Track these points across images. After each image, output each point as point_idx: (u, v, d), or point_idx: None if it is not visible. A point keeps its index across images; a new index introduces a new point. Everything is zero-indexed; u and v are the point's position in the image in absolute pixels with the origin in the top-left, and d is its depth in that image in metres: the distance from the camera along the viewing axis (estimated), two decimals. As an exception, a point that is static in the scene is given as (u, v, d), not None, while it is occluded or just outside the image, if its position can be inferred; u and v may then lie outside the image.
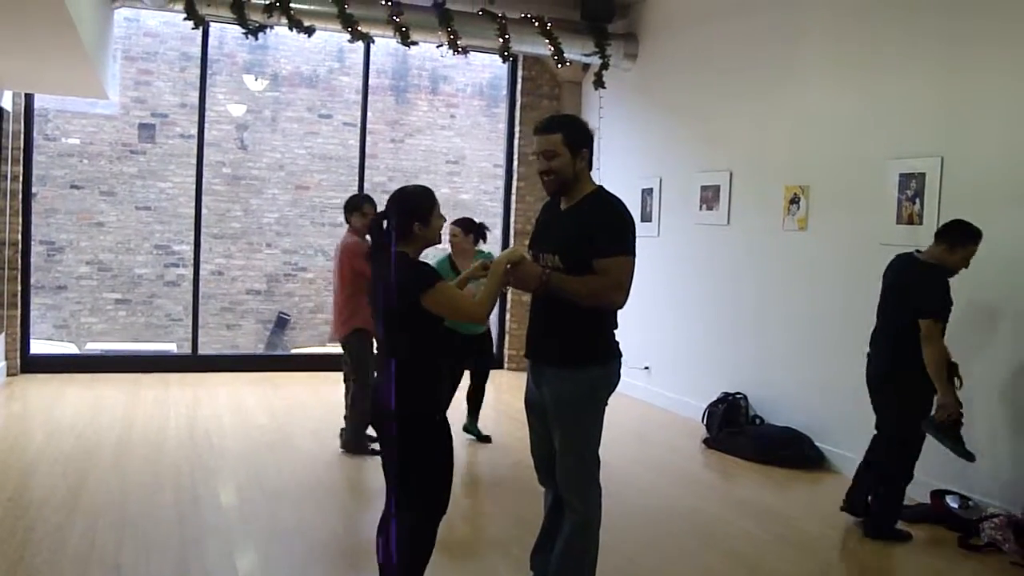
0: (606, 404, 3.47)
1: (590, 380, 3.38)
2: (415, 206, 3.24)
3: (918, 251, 4.74)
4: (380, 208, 3.42)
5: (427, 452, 3.18)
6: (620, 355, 3.51)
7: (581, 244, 3.33)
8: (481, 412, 6.58)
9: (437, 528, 3.26)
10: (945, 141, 5.37)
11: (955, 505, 4.96)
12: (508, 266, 3.25)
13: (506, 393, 8.40)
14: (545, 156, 3.40)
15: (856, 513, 4.93)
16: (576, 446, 3.40)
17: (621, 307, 3.37)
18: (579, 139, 3.40)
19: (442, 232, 3.37)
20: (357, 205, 6.12)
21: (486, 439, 6.47)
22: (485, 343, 6.50)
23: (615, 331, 3.50)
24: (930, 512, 5.02)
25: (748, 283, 7.06)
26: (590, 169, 3.49)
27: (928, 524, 4.95)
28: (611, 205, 3.45)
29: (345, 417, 6.13)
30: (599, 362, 3.41)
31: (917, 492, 5.26)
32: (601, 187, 3.50)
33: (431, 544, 3.25)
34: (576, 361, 3.35)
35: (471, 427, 6.52)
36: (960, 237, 4.56)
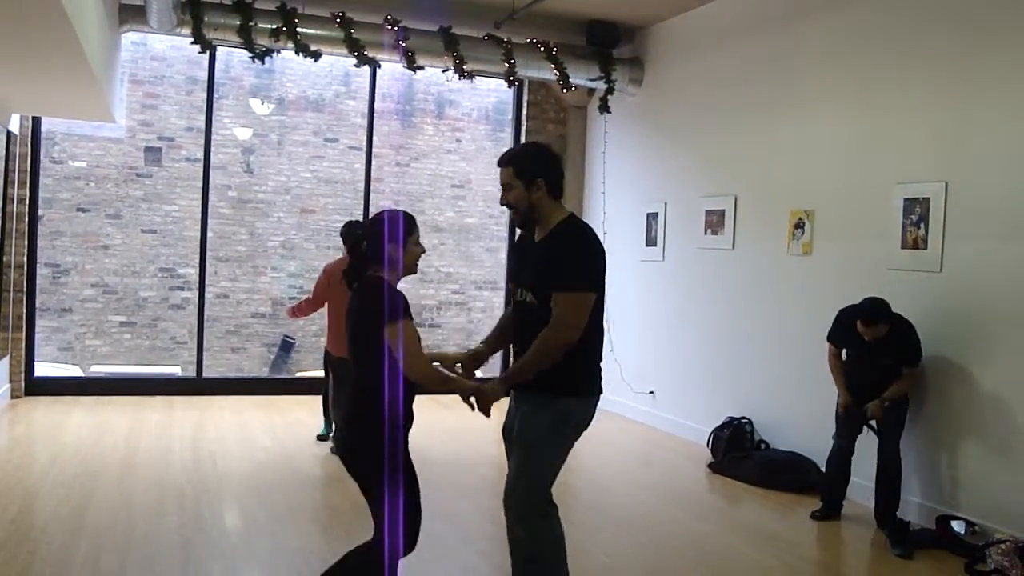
0: (573, 441, 3.41)
1: (563, 410, 3.33)
2: (390, 227, 3.22)
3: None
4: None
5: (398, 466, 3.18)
6: (600, 391, 3.46)
7: (548, 278, 3.28)
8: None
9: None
10: (949, 166, 5.38)
11: (961, 530, 4.94)
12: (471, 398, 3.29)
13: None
14: (504, 189, 3.40)
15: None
16: (529, 471, 3.34)
17: (572, 343, 3.24)
18: (531, 169, 3.36)
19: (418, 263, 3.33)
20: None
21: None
22: None
23: (599, 364, 3.45)
24: (936, 537, 5.00)
25: (753, 308, 7.06)
26: (556, 196, 3.42)
27: (934, 549, 4.93)
28: (574, 236, 3.38)
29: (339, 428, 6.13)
30: (576, 394, 3.37)
31: (923, 518, 5.24)
32: (571, 216, 3.45)
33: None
34: (553, 389, 3.30)
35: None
36: None
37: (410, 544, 3.24)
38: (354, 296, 3.28)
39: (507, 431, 3.54)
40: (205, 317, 9.26)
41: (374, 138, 9.63)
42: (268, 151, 13.42)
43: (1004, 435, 4.99)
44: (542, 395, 3.33)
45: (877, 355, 5.25)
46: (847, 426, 5.44)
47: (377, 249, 3.20)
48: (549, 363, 3.24)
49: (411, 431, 3.23)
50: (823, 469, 6.04)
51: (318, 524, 4.99)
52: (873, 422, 5.31)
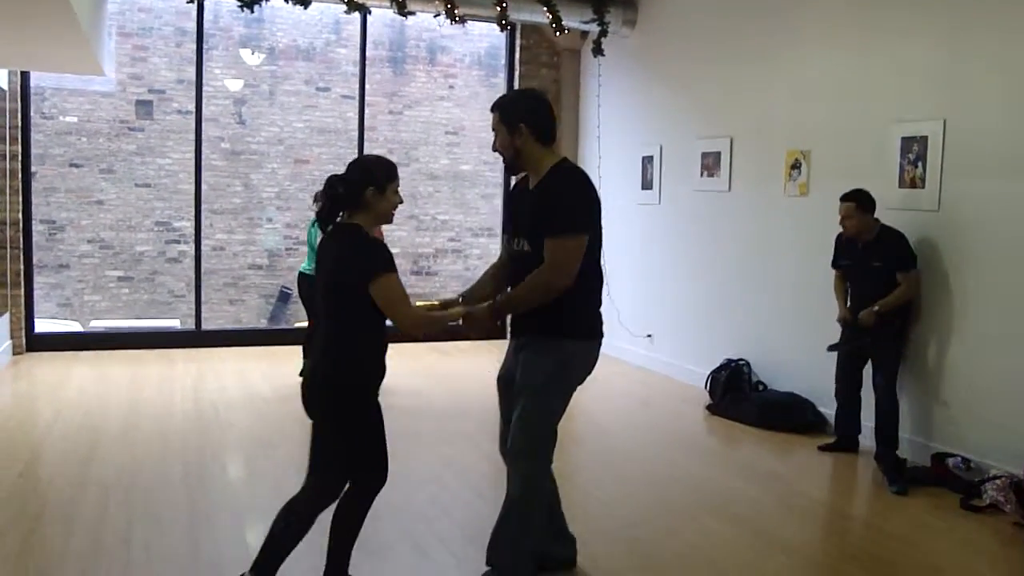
0: (576, 386, 3.43)
1: (565, 354, 3.35)
2: (372, 171, 3.18)
3: None
4: None
5: (370, 422, 3.22)
6: (600, 335, 3.46)
7: (540, 225, 3.28)
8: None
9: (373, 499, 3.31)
10: (947, 104, 5.35)
11: (957, 467, 5.00)
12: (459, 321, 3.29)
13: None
14: (494, 135, 3.42)
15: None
16: (533, 416, 3.35)
17: (568, 285, 3.24)
18: (514, 116, 3.35)
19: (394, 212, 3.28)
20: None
21: None
22: None
23: (598, 309, 3.46)
24: (932, 475, 5.06)
25: (750, 249, 7.07)
26: (546, 142, 3.39)
27: (930, 486, 4.99)
28: (565, 181, 3.37)
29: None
30: (577, 337, 3.38)
31: (919, 455, 5.30)
32: (563, 161, 3.43)
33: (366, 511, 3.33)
34: (554, 332, 3.32)
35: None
36: None
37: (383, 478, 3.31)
38: (330, 242, 3.22)
39: (503, 379, 3.56)
40: (202, 270, 9.26)
41: (366, 86, 9.54)
42: (260, 102, 13.30)
43: (999, 372, 5.02)
44: (544, 340, 3.34)
45: (868, 260, 5.39)
46: (846, 355, 5.59)
47: (357, 194, 3.15)
48: (538, 301, 3.27)
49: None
50: (820, 410, 6.12)
51: (321, 472, 5.04)
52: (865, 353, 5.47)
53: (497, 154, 3.46)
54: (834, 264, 5.72)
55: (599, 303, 3.46)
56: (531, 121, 3.35)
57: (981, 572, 3.91)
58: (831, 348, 5.63)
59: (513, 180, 3.50)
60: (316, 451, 3.32)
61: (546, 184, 3.35)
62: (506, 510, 3.43)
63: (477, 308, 3.33)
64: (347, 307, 3.13)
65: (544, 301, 3.26)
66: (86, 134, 12.38)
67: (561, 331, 3.32)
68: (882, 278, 5.34)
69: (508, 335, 3.61)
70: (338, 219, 3.23)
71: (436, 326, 3.34)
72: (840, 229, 5.55)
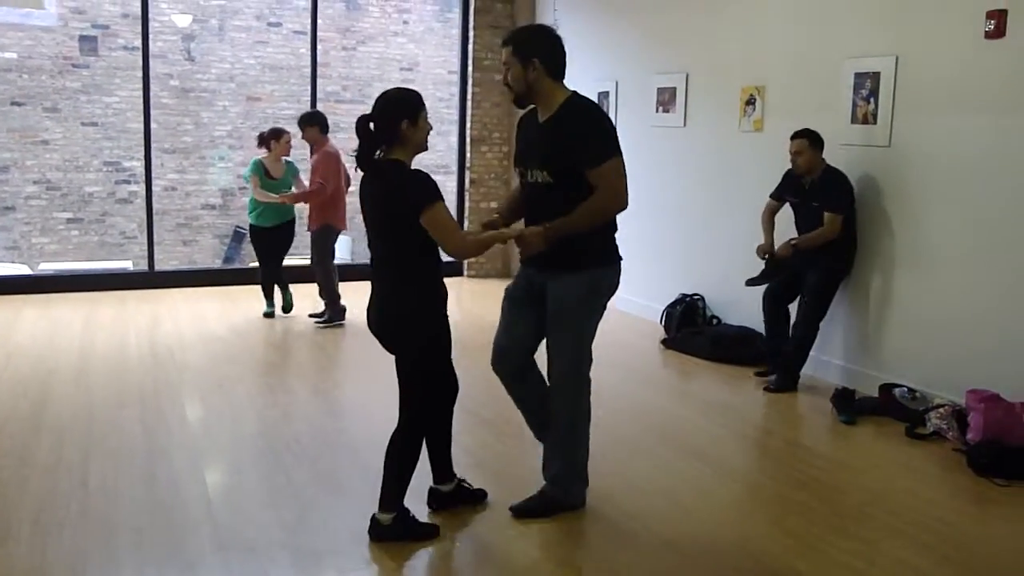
0: (604, 306, 3.65)
1: (591, 280, 3.55)
2: (403, 104, 3.22)
3: None
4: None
5: (441, 345, 3.40)
6: (620, 258, 3.66)
7: (566, 155, 3.41)
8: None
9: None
10: (900, 40, 5.37)
11: (903, 397, 5.14)
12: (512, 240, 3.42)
13: (468, 302, 8.46)
14: (504, 68, 3.50)
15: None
16: (570, 349, 3.62)
17: (625, 208, 3.49)
18: (527, 50, 3.45)
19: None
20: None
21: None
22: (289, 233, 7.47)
23: (615, 234, 3.62)
24: (879, 405, 5.20)
25: (705, 185, 7.11)
26: (558, 77, 3.51)
27: (877, 416, 5.14)
28: (588, 111, 3.51)
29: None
30: (600, 263, 3.57)
31: (867, 386, 5.44)
32: (575, 93, 3.54)
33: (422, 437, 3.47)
34: (577, 264, 3.49)
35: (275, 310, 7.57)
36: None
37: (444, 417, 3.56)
38: (371, 181, 3.29)
39: (512, 297, 3.73)
40: (154, 210, 9.09)
41: (319, 21, 9.32)
42: (209, 38, 13.00)
43: (944, 306, 5.14)
44: (571, 270, 3.50)
45: (810, 198, 5.55)
46: (769, 290, 5.86)
47: (393, 128, 3.19)
48: (596, 225, 3.47)
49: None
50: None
51: (279, 408, 5.05)
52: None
53: (506, 87, 3.55)
54: (774, 195, 5.88)
55: (615, 228, 3.62)
56: (545, 56, 3.46)
57: (923, 495, 4.05)
58: (750, 282, 5.82)
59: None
60: (400, 382, 3.43)
61: (564, 117, 3.47)
62: (557, 427, 3.71)
63: (529, 230, 3.43)
64: (404, 240, 3.22)
65: (601, 224, 3.48)
66: (27, 71, 12.02)
67: (588, 260, 3.51)
68: (820, 217, 5.48)
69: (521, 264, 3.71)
70: (376, 156, 3.27)
71: (485, 249, 3.54)
72: (790, 165, 5.62)
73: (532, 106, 3.60)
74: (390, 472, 3.38)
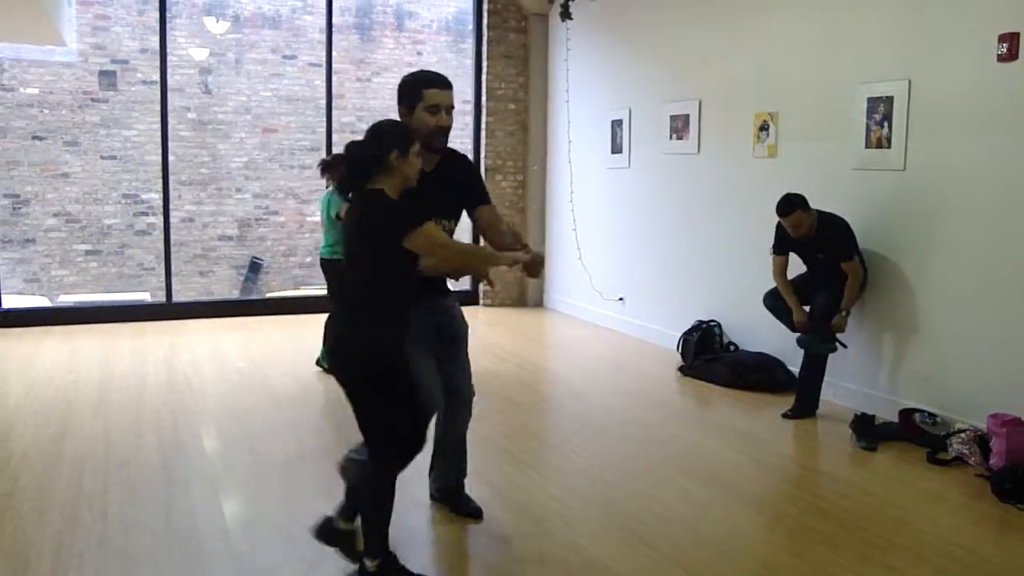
0: None
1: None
2: (395, 135, 3.16)
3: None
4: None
5: (399, 381, 3.19)
6: None
7: (470, 198, 3.74)
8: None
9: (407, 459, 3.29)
10: (912, 64, 5.38)
11: (923, 422, 5.09)
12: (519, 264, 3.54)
13: (483, 330, 8.46)
14: (448, 111, 3.59)
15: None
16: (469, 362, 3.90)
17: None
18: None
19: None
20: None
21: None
22: None
23: None
24: (899, 430, 5.15)
25: (720, 211, 7.11)
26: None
27: (898, 441, 5.09)
28: (466, 156, 3.83)
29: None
30: None
31: (886, 411, 5.39)
32: None
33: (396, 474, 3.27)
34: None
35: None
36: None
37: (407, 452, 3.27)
38: (353, 208, 3.21)
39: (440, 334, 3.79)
40: (172, 242, 9.17)
41: (333, 53, 9.42)
42: (226, 71, 13.14)
43: (963, 328, 5.11)
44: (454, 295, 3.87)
45: (814, 251, 5.53)
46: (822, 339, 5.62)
47: (381, 158, 3.12)
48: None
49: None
50: (790, 369, 6.19)
51: (295, 439, 5.05)
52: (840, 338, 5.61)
53: (443, 130, 3.59)
54: (778, 251, 5.72)
55: None
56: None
57: (947, 522, 4.00)
58: (807, 343, 5.63)
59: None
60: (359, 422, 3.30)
61: (454, 162, 3.71)
62: (460, 438, 3.92)
63: (536, 252, 3.60)
64: (376, 270, 3.14)
65: None
66: (48, 106, 12.18)
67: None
68: (828, 265, 5.49)
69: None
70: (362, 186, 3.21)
71: (499, 261, 3.53)
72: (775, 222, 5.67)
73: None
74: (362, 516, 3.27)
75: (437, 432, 3.88)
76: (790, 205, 5.39)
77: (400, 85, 3.57)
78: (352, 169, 3.17)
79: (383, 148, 3.12)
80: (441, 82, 3.52)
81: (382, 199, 3.11)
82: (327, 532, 3.34)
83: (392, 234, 3.06)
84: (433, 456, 3.97)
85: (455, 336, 3.80)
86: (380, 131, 3.18)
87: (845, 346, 5.62)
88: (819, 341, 5.54)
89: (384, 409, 3.18)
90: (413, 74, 3.60)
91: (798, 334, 5.66)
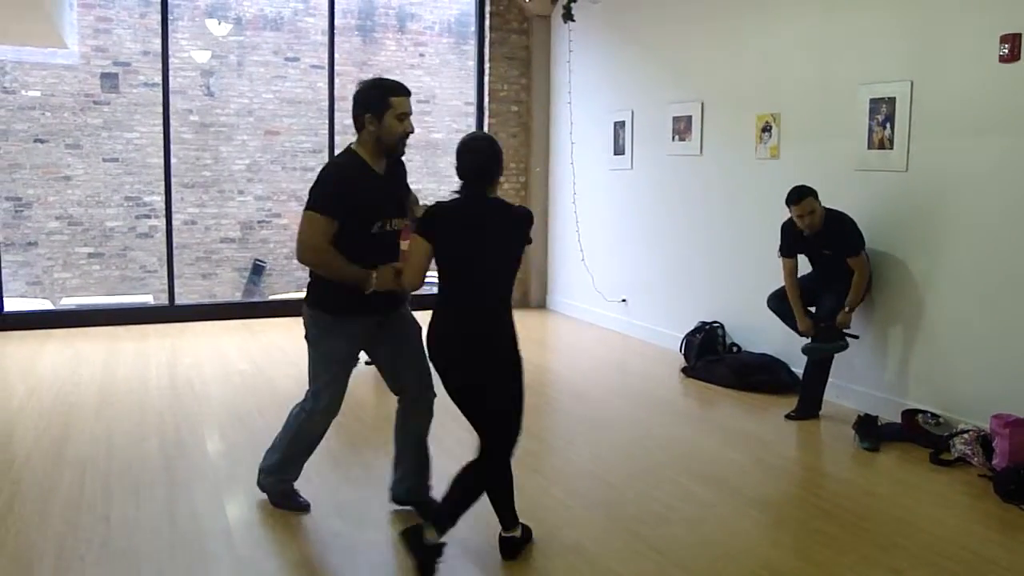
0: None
1: None
2: (367, 96, 3.16)
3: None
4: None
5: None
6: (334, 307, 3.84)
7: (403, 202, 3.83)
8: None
9: None
10: (914, 65, 5.37)
11: (926, 422, 5.09)
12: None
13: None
14: (408, 115, 3.61)
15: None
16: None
17: (302, 261, 3.61)
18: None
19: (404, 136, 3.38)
20: None
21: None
22: None
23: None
24: (902, 431, 5.15)
25: (722, 213, 7.10)
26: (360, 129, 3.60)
27: (901, 442, 5.08)
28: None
29: None
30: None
31: (889, 412, 5.39)
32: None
33: None
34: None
35: None
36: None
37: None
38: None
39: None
40: (174, 244, 9.17)
41: (336, 56, 9.43)
42: (228, 73, 13.15)
43: (966, 328, 5.10)
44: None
45: (821, 247, 5.49)
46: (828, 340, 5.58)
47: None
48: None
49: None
50: (793, 370, 6.18)
51: (299, 443, 5.04)
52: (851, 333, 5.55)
53: (406, 136, 3.60)
54: (786, 252, 5.70)
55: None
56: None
57: (950, 523, 4.00)
58: (810, 351, 5.59)
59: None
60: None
61: (401, 166, 3.76)
62: (424, 434, 4.01)
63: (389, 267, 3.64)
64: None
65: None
66: (50, 108, 12.19)
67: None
68: (835, 262, 5.46)
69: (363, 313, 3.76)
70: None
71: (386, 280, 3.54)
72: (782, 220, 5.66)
73: (361, 161, 3.56)
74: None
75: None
76: (803, 191, 5.39)
77: (361, 92, 3.53)
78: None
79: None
80: (405, 89, 3.56)
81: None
82: (416, 542, 3.24)
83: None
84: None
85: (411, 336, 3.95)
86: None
87: (857, 336, 5.57)
88: (826, 345, 5.51)
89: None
90: (375, 82, 3.59)
91: (803, 340, 5.65)
